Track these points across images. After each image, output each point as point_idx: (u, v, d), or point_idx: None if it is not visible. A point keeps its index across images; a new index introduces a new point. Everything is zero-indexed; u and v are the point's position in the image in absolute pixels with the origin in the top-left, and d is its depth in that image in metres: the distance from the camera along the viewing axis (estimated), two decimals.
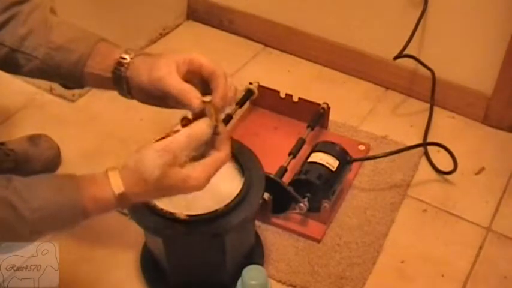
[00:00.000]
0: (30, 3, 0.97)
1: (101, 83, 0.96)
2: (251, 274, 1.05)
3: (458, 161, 1.42)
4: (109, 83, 0.95)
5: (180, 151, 0.84)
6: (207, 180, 0.87)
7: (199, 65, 0.89)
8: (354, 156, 1.35)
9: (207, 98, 0.87)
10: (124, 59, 0.93)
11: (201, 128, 0.86)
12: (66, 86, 1.04)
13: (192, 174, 0.84)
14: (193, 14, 1.89)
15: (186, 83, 0.88)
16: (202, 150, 0.88)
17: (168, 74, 0.88)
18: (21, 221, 0.80)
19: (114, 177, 0.84)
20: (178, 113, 1.59)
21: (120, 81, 0.94)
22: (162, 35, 1.81)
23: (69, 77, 0.97)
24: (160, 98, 0.92)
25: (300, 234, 1.27)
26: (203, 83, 0.90)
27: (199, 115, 0.87)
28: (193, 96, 0.87)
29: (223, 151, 0.88)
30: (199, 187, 0.86)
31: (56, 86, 1.57)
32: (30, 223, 0.81)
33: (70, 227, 0.86)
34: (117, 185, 0.84)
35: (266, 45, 1.80)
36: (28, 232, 0.82)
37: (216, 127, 0.87)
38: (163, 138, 0.87)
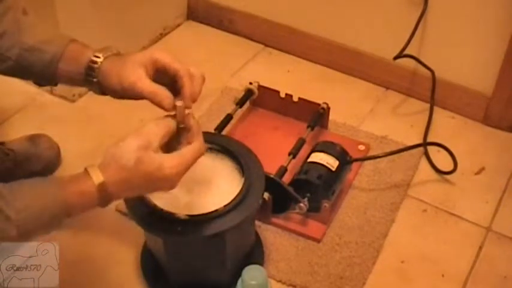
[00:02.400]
0: (3, 5, 0.99)
1: (74, 83, 1.01)
2: (251, 274, 1.05)
3: (458, 161, 1.42)
4: (81, 83, 0.99)
5: (152, 135, 0.88)
6: (184, 169, 0.90)
7: (163, 65, 0.94)
8: (354, 156, 1.35)
9: (179, 103, 0.91)
10: (94, 63, 0.96)
11: (167, 119, 0.91)
12: (39, 83, 1.07)
13: (167, 162, 0.87)
14: (193, 14, 1.89)
15: (156, 85, 0.92)
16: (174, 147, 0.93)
17: (138, 79, 0.92)
18: (7, 222, 0.81)
19: (93, 170, 0.87)
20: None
21: (92, 83, 0.98)
22: (162, 35, 1.81)
23: (43, 76, 1.00)
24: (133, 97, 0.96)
25: (300, 234, 1.27)
26: (171, 80, 0.95)
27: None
28: (164, 97, 0.91)
29: (196, 143, 0.92)
30: (176, 176, 0.89)
31: (56, 86, 1.57)
32: (16, 224, 0.81)
33: (56, 225, 0.87)
34: (96, 175, 0.86)
35: (266, 45, 1.80)
36: (15, 233, 0.82)
37: (184, 123, 0.92)
38: None
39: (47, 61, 0.98)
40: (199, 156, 0.92)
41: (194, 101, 0.94)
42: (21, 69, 0.99)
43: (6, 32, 0.98)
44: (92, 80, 0.97)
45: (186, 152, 0.90)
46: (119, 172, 0.86)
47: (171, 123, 0.91)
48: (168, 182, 0.89)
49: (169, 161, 0.88)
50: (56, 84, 1.04)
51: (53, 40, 0.99)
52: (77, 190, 0.86)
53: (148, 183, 0.88)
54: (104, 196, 0.87)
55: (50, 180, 0.89)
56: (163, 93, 0.91)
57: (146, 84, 0.92)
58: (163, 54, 0.94)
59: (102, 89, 0.98)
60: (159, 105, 0.92)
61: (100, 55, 0.96)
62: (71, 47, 0.99)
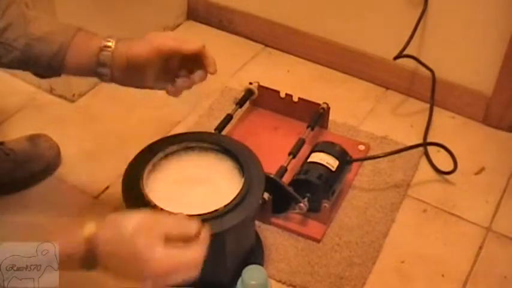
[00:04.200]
0: None
1: (81, 71, 1.00)
2: (251, 274, 1.05)
3: (458, 161, 1.42)
4: (89, 71, 0.99)
5: (163, 223, 0.82)
6: (164, 273, 0.79)
7: (169, 50, 0.98)
8: (354, 156, 1.35)
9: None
10: (108, 47, 0.98)
11: (191, 222, 0.84)
12: (41, 75, 1.06)
13: (155, 253, 0.79)
14: (193, 14, 1.89)
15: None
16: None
17: (165, 36, 1.00)
18: None
19: (89, 222, 0.81)
20: (178, 113, 1.59)
21: (102, 69, 0.98)
22: None
23: (49, 66, 0.99)
24: (142, 73, 0.99)
25: (300, 234, 1.27)
26: (181, 61, 1.01)
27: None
28: (189, 41, 1.00)
29: (193, 249, 0.81)
30: (159, 270, 0.79)
31: (56, 86, 1.57)
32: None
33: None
34: (89, 226, 0.80)
35: (266, 45, 1.80)
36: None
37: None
38: None
39: (55, 50, 0.97)
40: (188, 268, 0.80)
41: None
42: (28, 60, 0.98)
43: (12, 23, 0.97)
44: (105, 62, 0.97)
45: (181, 254, 0.80)
46: (113, 233, 0.80)
47: (192, 228, 0.82)
48: (150, 272, 0.79)
49: (158, 253, 0.79)
50: (59, 75, 1.03)
51: (60, 30, 0.99)
52: (64, 237, 0.81)
53: (134, 261, 0.79)
54: (90, 254, 0.80)
55: (41, 225, 0.85)
56: (186, 39, 0.99)
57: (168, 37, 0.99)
58: (166, 38, 0.98)
59: (113, 71, 0.99)
60: (186, 47, 0.98)
61: (109, 41, 0.98)
62: (79, 35, 0.99)
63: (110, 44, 0.97)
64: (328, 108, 1.47)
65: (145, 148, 1.15)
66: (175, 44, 0.99)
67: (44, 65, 0.99)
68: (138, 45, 0.97)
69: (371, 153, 1.45)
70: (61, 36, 0.98)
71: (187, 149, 1.16)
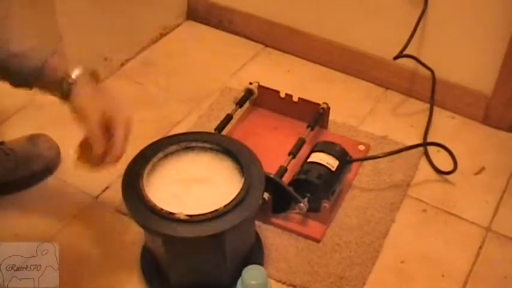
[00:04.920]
0: None
1: (49, 93, 1.05)
2: (251, 274, 1.05)
3: (458, 161, 1.42)
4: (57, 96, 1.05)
5: None
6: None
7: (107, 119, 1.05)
8: (354, 156, 1.35)
9: None
10: (69, 82, 1.03)
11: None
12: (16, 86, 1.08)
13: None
14: (193, 14, 1.89)
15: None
16: None
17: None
18: None
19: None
20: (178, 113, 1.59)
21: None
22: (162, 35, 1.81)
23: (24, 82, 1.05)
24: None
25: (300, 234, 1.27)
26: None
27: None
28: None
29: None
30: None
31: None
32: None
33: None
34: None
35: (266, 45, 1.80)
36: None
37: None
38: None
39: (27, 72, 1.01)
40: None
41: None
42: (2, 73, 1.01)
43: None
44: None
45: None
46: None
47: None
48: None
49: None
50: (31, 89, 1.06)
51: (37, 48, 1.01)
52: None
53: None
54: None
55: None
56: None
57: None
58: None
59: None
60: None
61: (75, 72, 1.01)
62: (52, 59, 1.01)
63: (71, 79, 1.02)
64: (328, 108, 1.47)
65: (145, 148, 1.15)
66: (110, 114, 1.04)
67: (19, 81, 1.04)
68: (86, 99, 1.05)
69: (371, 153, 1.45)
70: (37, 56, 1.00)
71: (187, 149, 1.16)
